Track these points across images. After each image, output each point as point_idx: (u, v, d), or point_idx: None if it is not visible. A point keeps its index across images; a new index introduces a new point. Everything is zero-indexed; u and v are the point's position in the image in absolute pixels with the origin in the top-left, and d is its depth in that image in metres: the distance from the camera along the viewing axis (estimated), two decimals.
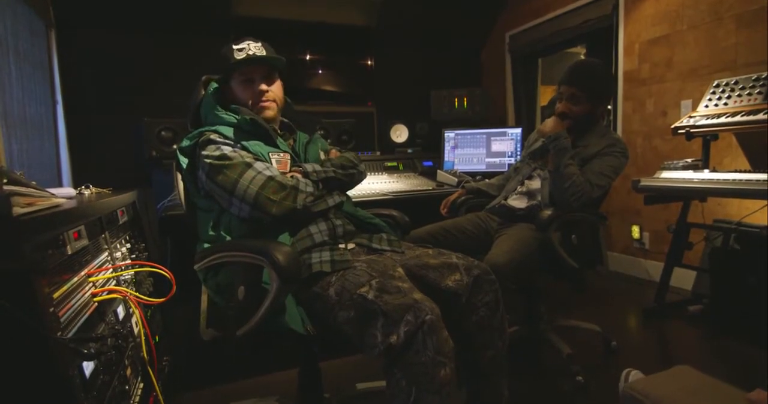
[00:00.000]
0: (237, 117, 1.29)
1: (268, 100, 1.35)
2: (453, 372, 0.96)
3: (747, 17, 2.34)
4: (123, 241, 1.45)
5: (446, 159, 3.19)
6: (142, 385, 1.19)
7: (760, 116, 1.93)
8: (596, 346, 1.99)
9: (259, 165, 1.21)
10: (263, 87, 1.35)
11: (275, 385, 1.75)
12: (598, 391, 1.63)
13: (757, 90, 2.05)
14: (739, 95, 2.12)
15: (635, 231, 3.02)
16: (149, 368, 1.21)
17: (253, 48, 1.32)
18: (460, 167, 3.09)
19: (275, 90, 1.37)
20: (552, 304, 2.43)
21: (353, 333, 1.04)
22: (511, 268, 1.51)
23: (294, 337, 1.09)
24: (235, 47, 1.32)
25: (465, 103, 3.61)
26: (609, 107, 3.20)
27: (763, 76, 2.06)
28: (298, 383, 1.39)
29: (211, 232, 1.26)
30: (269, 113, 1.36)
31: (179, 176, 1.37)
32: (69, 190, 1.50)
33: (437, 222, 1.92)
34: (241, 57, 1.31)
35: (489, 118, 3.70)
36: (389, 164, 3.14)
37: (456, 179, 2.81)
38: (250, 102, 1.34)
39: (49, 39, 2.61)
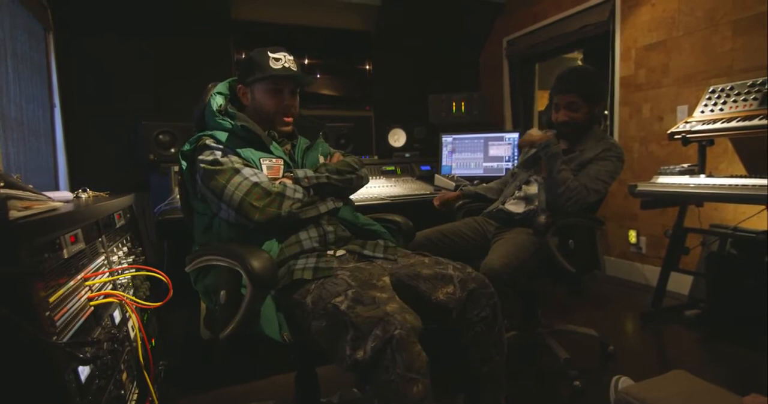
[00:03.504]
0: (232, 122, 1.30)
1: (291, 116, 1.39)
2: (427, 388, 0.92)
3: (743, 24, 2.36)
4: (120, 245, 1.45)
5: (444, 163, 3.19)
6: (137, 390, 1.19)
7: (756, 122, 1.94)
8: (593, 351, 1.99)
9: (246, 171, 1.22)
10: (293, 102, 1.38)
11: (272, 390, 1.74)
12: (594, 396, 1.63)
13: (753, 96, 2.07)
14: (735, 101, 2.13)
15: (632, 236, 3.03)
16: (145, 372, 1.20)
17: (288, 61, 1.34)
18: (457, 171, 3.10)
19: (296, 106, 1.41)
20: (549, 309, 2.44)
21: (324, 344, 1.02)
22: (508, 273, 1.52)
23: (275, 344, 1.08)
24: (271, 55, 1.33)
25: (463, 107, 3.62)
26: (606, 112, 3.22)
27: (758, 82, 2.07)
28: (295, 387, 1.38)
29: (202, 235, 1.28)
30: (288, 129, 1.41)
31: (179, 179, 1.37)
32: (66, 194, 1.50)
33: (435, 226, 1.92)
34: (278, 67, 1.32)
35: (486, 122, 3.71)
36: (387, 168, 3.14)
37: (454, 183, 2.82)
38: (274, 111, 1.36)
39: (48, 42, 2.61)
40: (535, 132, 1.81)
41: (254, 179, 1.21)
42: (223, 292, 1.11)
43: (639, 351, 2.11)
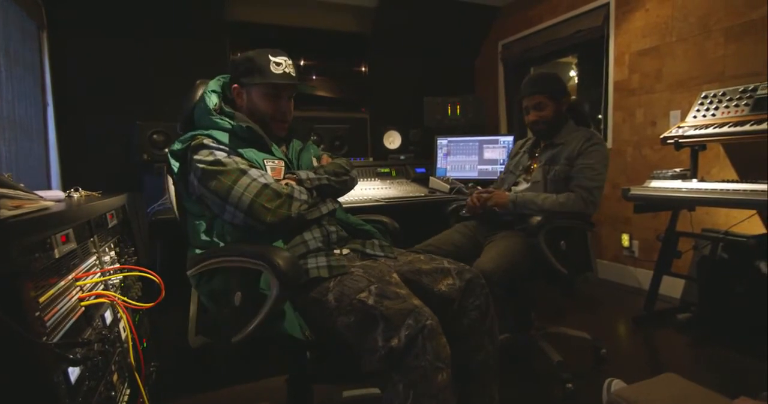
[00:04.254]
0: (232, 123, 1.29)
1: (287, 121, 1.39)
2: (450, 378, 0.98)
3: (735, 30, 2.39)
4: (112, 245, 1.44)
5: (439, 166, 3.20)
6: (128, 391, 1.18)
7: (747, 127, 1.96)
8: (586, 354, 1.99)
9: (254, 172, 1.20)
10: (289, 107, 1.38)
11: (264, 392, 1.73)
12: (587, 398, 1.64)
13: (744, 101, 2.09)
14: (727, 106, 2.16)
15: (625, 240, 3.05)
16: (136, 374, 1.20)
17: (289, 66, 1.34)
18: (452, 174, 3.11)
19: (291, 111, 1.41)
20: (542, 312, 2.44)
21: (353, 339, 1.04)
22: (498, 275, 1.53)
23: (289, 343, 1.08)
24: (272, 59, 1.31)
25: (458, 110, 3.63)
26: (600, 116, 3.25)
27: (750, 88, 2.10)
28: (288, 390, 1.37)
29: (204, 238, 1.24)
30: (283, 134, 1.41)
31: (170, 180, 1.36)
32: (58, 193, 1.49)
33: (427, 229, 1.93)
34: (280, 73, 1.31)
35: (481, 125, 3.73)
36: (382, 170, 3.14)
37: (448, 186, 2.82)
38: (270, 115, 1.35)
39: (41, 41, 2.59)
40: (493, 199, 1.84)
41: (263, 180, 1.19)
42: (238, 294, 1.10)
43: (631, 354, 2.12)
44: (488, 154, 3.08)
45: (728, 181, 1.93)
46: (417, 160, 3.40)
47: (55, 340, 0.85)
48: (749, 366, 1.87)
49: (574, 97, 2.00)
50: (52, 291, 0.90)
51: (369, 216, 1.56)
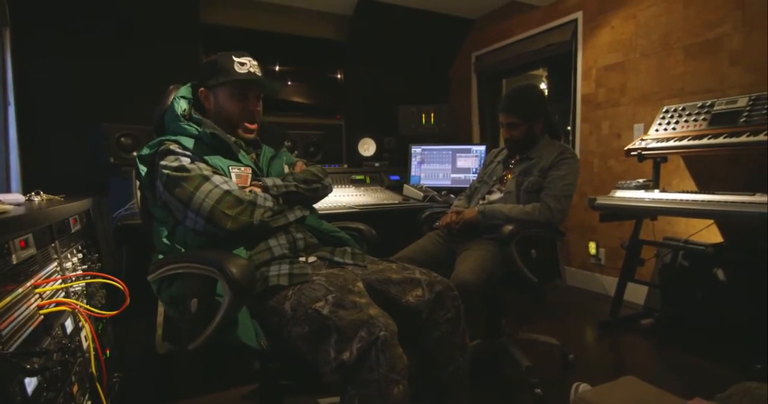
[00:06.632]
0: (198, 129, 1.27)
1: (255, 123, 1.37)
2: (407, 390, 0.95)
3: (694, 49, 2.52)
4: (74, 251, 1.39)
5: (413, 173, 3.23)
6: (89, 403, 1.13)
7: (705, 141, 2.06)
8: (554, 359, 2.04)
9: (216, 178, 1.20)
10: (258, 108, 1.37)
11: (233, 401, 1.70)
12: (555, 403, 1.67)
13: (702, 116, 2.20)
14: (686, 121, 2.26)
15: (592, 248, 3.14)
16: (98, 385, 1.15)
17: (253, 66, 1.33)
18: (426, 182, 3.14)
19: (260, 112, 1.39)
20: (512, 318, 2.48)
21: (307, 349, 1.02)
22: (477, 286, 1.56)
23: (250, 352, 1.06)
24: (236, 59, 1.31)
25: (432, 119, 3.69)
26: (569, 128, 3.35)
27: (707, 104, 2.21)
28: (259, 399, 1.35)
29: (166, 243, 1.23)
30: (251, 136, 1.39)
31: (138, 184, 1.33)
32: (17, 197, 1.43)
33: (401, 236, 1.94)
34: (244, 72, 1.30)
35: (455, 134, 3.79)
36: (356, 177, 3.16)
37: (422, 194, 2.85)
38: (238, 116, 1.34)
39: (4, 38, 2.50)
40: (466, 213, 1.90)
41: (225, 187, 1.18)
42: (194, 301, 1.07)
43: (597, 358, 2.18)
44: (461, 163, 3.13)
45: (688, 192, 2.02)
46: (391, 167, 3.43)
47: (11, 350, 0.81)
48: (708, 369, 1.95)
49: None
50: (8, 299, 0.87)
51: (346, 224, 1.55)
